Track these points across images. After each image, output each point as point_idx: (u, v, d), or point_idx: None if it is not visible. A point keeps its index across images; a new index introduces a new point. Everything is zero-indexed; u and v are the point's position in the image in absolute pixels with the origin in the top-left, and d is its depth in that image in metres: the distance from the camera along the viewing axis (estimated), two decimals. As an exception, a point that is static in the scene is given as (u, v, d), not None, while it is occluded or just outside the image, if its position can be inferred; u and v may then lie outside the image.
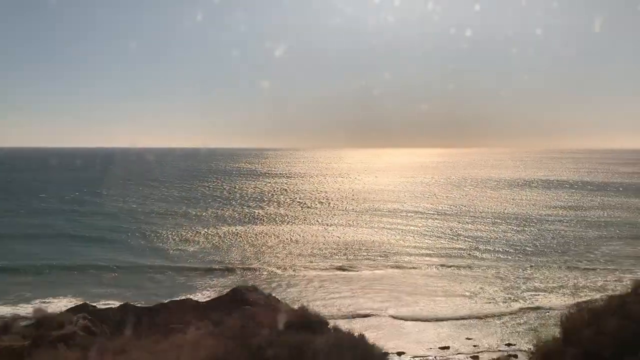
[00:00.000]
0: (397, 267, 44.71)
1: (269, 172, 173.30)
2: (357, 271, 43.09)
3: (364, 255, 48.12)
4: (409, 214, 73.69)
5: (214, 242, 51.86)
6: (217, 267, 42.45)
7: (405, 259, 47.05)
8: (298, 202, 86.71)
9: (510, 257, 47.33)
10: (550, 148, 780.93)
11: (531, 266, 43.78)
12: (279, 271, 41.77)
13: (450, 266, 44.57)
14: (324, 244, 52.48)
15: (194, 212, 71.37)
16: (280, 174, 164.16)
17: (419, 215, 72.55)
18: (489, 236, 57.46)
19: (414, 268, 44.34)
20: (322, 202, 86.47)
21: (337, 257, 47.40)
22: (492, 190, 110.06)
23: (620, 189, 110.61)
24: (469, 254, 48.81)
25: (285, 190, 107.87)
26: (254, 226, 61.45)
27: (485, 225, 64.49)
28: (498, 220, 68.40)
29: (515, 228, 62.82)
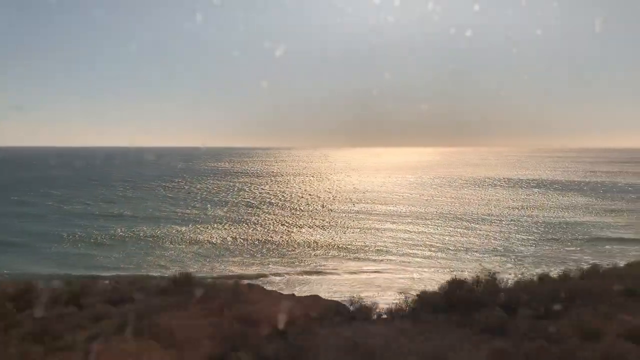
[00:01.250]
0: (314, 272, 43.26)
1: (243, 171, 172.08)
2: (263, 277, 41.82)
3: (274, 258, 46.87)
4: (351, 215, 72.46)
5: (124, 246, 50.42)
6: (108, 274, 41.01)
7: (318, 262, 45.88)
8: (247, 202, 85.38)
9: (423, 261, 46.15)
10: (547, 147, 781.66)
11: (437, 268, 42.66)
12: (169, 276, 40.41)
13: (360, 272, 43.17)
14: (242, 246, 51.16)
15: (129, 214, 70.01)
16: (253, 173, 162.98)
17: (360, 216, 71.34)
18: (417, 238, 56.19)
19: (322, 273, 43.11)
20: (270, 203, 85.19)
21: (246, 260, 46.11)
22: (454, 190, 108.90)
23: (585, 189, 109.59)
24: (383, 259, 47.59)
25: (244, 190, 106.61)
26: (181, 228, 60.03)
27: (421, 227, 63.23)
28: (439, 221, 67.16)
29: (450, 229, 61.60)
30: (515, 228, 61.73)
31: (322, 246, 51.94)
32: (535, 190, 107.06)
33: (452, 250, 50.36)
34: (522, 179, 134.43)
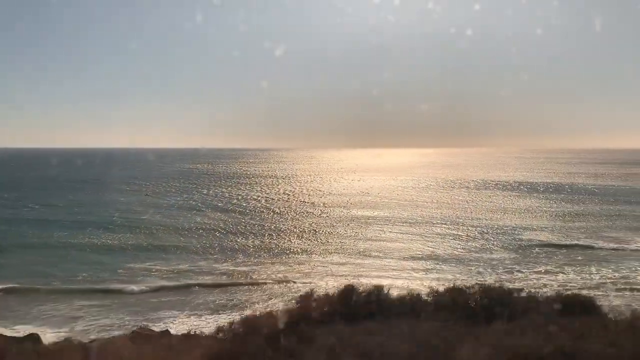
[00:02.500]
0: (212, 285, 40.54)
1: (215, 173, 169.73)
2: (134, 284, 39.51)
3: (182, 265, 44.59)
4: (293, 218, 70.39)
5: (25, 253, 47.75)
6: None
7: (223, 270, 43.62)
8: (192, 206, 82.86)
9: (336, 268, 44.01)
10: (546, 147, 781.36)
11: (339, 277, 40.49)
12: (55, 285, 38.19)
13: (261, 282, 40.55)
14: (152, 253, 48.71)
15: (60, 219, 67.43)
16: (224, 175, 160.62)
17: (303, 219, 69.22)
18: (343, 242, 53.89)
19: (224, 285, 40.54)
20: (216, 207, 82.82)
21: (148, 267, 43.80)
22: (416, 192, 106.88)
23: (550, 190, 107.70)
24: (295, 264, 45.41)
25: (200, 192, 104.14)
26: (104, 233, 57.24)
27: (354, 230, 61.09)
28: (377, 225, 64.88)
29: (384, 233, 59.41)
30: (452, 232, 59.63)
31: (242, 251, 49.67)
32: (498, 192, 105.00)
33: (371, 256, 48.09)
34: (492, 181, 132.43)
